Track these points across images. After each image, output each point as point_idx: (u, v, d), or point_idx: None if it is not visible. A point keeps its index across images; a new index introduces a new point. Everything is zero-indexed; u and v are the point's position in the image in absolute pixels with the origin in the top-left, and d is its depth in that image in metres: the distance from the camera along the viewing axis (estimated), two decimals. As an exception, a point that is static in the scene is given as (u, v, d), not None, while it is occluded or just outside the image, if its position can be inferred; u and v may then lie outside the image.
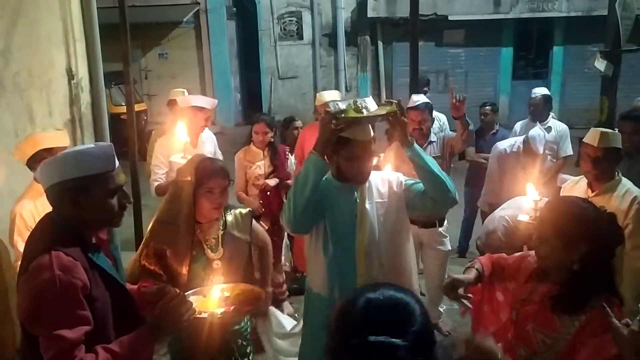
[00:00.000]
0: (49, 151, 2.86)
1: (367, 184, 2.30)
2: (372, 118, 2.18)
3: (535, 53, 11.49)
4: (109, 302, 1.68)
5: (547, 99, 4.99)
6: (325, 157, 2.22)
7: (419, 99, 3.78)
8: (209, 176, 2.24)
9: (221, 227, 2.35)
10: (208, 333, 1.96)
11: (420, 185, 2.27)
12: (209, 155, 4.27)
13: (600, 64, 5.44)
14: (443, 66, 11.36)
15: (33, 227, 1.79)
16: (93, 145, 1.75)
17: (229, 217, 2.39)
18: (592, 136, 2.80)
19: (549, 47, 11.40)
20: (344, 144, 2.18)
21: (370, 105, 2.17)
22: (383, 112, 2.16)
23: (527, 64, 11.52)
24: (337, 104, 2.13)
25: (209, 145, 4.51)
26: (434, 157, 3.71)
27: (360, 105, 2.12)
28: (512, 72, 11.44)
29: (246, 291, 2.18)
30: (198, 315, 1.93)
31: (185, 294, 2.07)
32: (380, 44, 11.31)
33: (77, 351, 1.55)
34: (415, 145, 2.23)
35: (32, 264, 1.57)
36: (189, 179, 2.23)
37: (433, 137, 3.85)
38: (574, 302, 1.76)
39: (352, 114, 2.10)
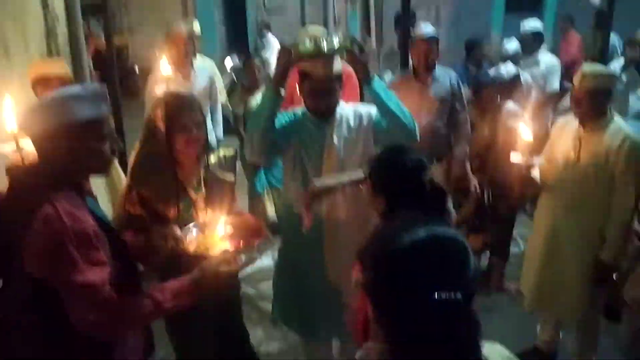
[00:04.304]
0: (46, 81, 2.76)
1: (338, 118, 2.41)
2: (326, 54, 2.22)
3: (530, -14, 11.15)
4: (108, 247, 1.65)
5: (535, 35, 4.92)
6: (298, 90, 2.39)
7: (426, 29, 3.61)
8: (180, 112, 2.14)
9: (203, 168, 2.29)
10: (218, 274, 1.81)
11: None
12: (202, 89, 4.16)
13: (595, -3, 5.31)
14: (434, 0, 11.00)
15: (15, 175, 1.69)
16: (84, 88, 1.64)
17: (212, 159, 2.34)
18: (576, 76, 2.77)
19: (543, -21, 11.05)
20: (304, 77, 2.32)
21: (336, 42, 2.24)
22: (335, 48, 2.22)
23: (521, -4, 11.20)
24: (306, 40, 2.23)
25: (202, 78, 4.28)
26: (440, 98, 3.57)
27: (319, 42, 2.20)
28: (506, 5, 11.12)
29: (245, 224, 2.16)
30: (208, 254, 1.88)
31: (186, 227, 2.04)
32: (370, -25, 10.86)
33: (110, 292, 1.54)
34: (374, 82, 2.30)
35: (36, 216, 1.50)
36: (159, 114, 2.14)
37: (438, 75, 3.64)
38: None
39: (307, 48, 2.18)
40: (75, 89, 1.63)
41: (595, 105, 2.71)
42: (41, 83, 2.78)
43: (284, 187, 2.61)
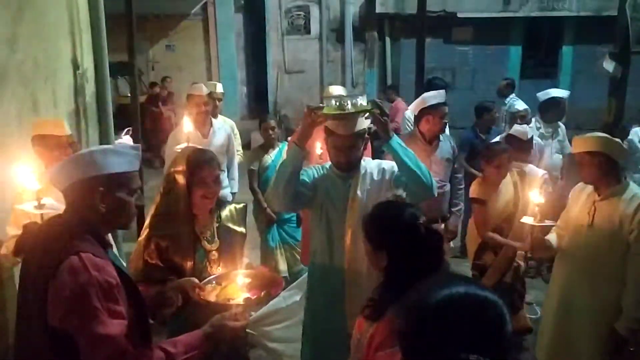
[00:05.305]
0: (43, 138, 2.88)
1: (362, 172, 2.54)
2: (349, 114, 2.36)
3: (545, 52, 11.40)
4: (125, 298, 1.68)
5: (556, 104, 4.95)
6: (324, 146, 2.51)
7: (440, 98, 3.73)
8: (200, 167, 2.26)
9: (216, 220, 2.39)
10: (228, 328, 1.88)
11: None
12: (220, 146, 4.32)
13: (609, 65, 5.40)
14: (450, 64, 11.29)
15: (39, 229, 1.75)
16: (121, 145, 1.77)
17: (224, 212, 2.44)
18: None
19: (558, 46, 11.30)
20: (329, 135, 2.47)
21: (360, 104, 2.39)
22: (357, 109, 2.37)
23: (536, 63, 11.43)
24: (332, 101, 2.40)
25: (220, 136, 4.48)
26: (445, 159, 3.70)
27: (344, 103, 2.36)
28: (521, 71, 11.35)
29: (263, 276, 2.22)
30: (229, 303, 1.95)
31: (202, 282, 2.08)
32: (388, 40, 11.24)
33: (127, 345, 1.56)
34: (393, 141, 2.42)
35: (62, 267, 1.54)
36: (180, 168, 2.24)
37: (441, 137, 3.82)
38: (372, 309, 1.73)
39: (329, 110, 2.32)
40: (112, 145, 1.72)
41: (589, 168, 2.73)
42: (38, 140, 2.93)
43: (311, 236, 2.69)
